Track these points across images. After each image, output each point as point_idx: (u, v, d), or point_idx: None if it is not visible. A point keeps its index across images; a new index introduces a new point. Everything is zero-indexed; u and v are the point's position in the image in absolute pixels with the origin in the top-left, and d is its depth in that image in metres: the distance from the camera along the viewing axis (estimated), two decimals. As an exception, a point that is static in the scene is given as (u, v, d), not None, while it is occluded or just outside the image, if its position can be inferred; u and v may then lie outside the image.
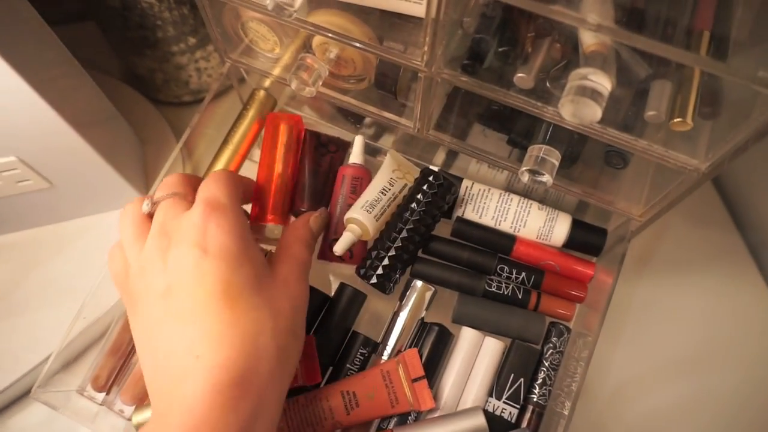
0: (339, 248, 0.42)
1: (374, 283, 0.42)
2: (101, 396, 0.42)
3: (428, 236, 0.44)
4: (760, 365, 0.50)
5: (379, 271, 0.41)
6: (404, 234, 0.42)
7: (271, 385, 0.30)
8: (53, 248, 0.51)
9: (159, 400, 0.30)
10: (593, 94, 0.28)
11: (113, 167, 0.47)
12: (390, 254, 0.41)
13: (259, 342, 0.30)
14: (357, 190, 0.44)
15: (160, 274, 0.31)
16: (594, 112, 0.28)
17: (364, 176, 0.45)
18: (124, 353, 0.43)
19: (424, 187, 0.42)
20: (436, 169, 0.45)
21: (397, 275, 0.42)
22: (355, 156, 0.46)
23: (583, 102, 0.28)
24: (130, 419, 0.40)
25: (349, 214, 0.43)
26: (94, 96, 0.48)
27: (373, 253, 0.42)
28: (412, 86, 0.38)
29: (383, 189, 0.44)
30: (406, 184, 0.45)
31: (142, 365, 0.32)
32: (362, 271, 0.42)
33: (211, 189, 0.34)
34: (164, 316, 0.30)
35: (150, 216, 0.35)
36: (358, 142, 0.46)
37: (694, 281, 0.54)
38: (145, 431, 0.28)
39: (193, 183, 0.36)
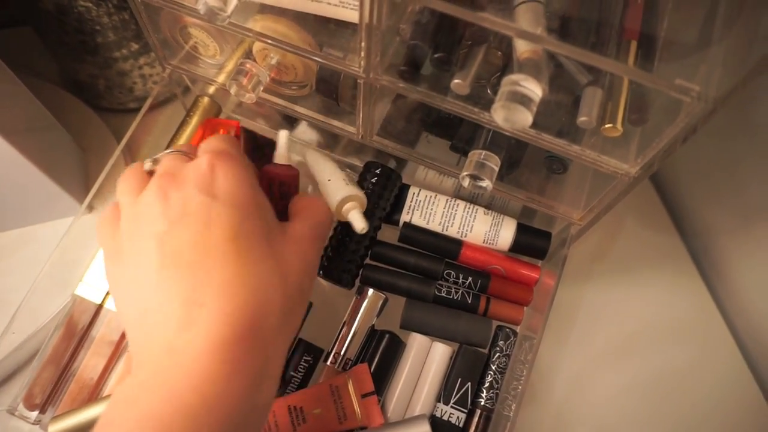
0: (364, 224, 0.41)
1: (340, 280, 0.43)
2: (34, 415, 0.40)
3: (380, 226, 0.45)
4: (698, 361, 0.52)
5: (347, 269, 0.43)
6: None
7: (278, 342, 0.28)
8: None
9: (147, 358, 0.26)
10: (524, 99, 0.29)
11: (49, 177, 0.46)
12: (350, 250, 0.43)
13: (268, 295, 0.27)
14: (287, 196, 0.37)
15: (160, 217, 0.28)
16: (525, 117, 0.29)
17: (291, 181, 0.37)
18: (60, 368, 0.41)
19: (372, 180, 0.44)
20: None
21: (358, 269, 0.44)
22: (281, 157, 0.38)
23: (513, 107, 0.29)
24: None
25: (342, 195, 0.41)
26: (28, 103, 0.46)
27: (333, 254, 0.43)
28: (354, 93, 0.38)
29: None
30: None
31: (125, 321, 0.28)
32: (321, 272, 0.43)
33: (215, 142, 0.32)
34: (161, 261, 0.27)
35: (151, 174, 0.32)
36: (282, 139, 0.38)
37: (638, 284, 0.55)
38: (127, 392, 0.25)
39: (196, 150, 0.34)
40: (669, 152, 0.32)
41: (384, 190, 0.44)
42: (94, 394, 0.40)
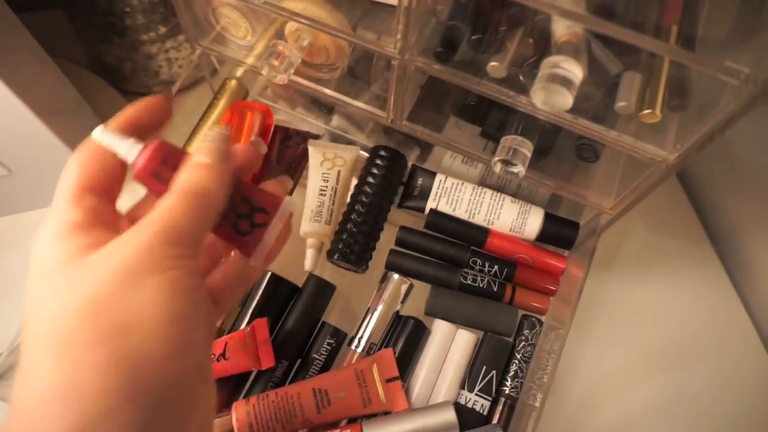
0: (310, 265, 0.43)
1: (351, 260, 0.42)
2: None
3: (389, 208, 0.45)
4: (723, 361, 0.51)
5: (352, 250, 0.42)
6: (366, 209, 0.43)
7: None
8: (11, 239, 0.49)
9: None
10: (564, 81, 0.28)
11: (78, 156, 0.46)
12: (357, 232, 0.42)
13: None
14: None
15: None
16: (565, 99, 0.29)
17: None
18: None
19: (377, 162, 0.44)
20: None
21: (371, 251, 0.44)
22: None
23: (554, 89, 0.28)
24: None
25: (302, 230, 0.44)
26: (58, 84, 0.47)
27: (343, 236, 0.43)
28: (385, 75, 0.38)
29: (321, 190, 0.44)
30: (339, 171, 0.45)
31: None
32: (332, 254, 0.43)
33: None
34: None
35: None
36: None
37: (662, 279, 0.55)
38: None
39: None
40: (708, 140, 0.31)
41: (392, 174, 0.45)
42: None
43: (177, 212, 0.21)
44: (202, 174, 0.22)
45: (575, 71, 0.29)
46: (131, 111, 0.25)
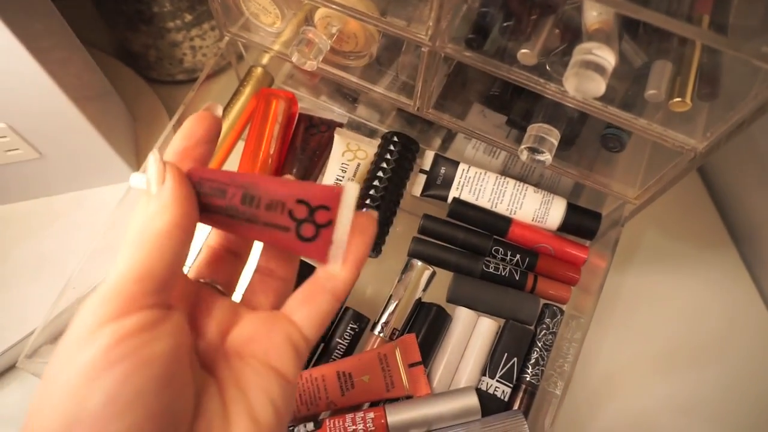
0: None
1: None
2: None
3: (402, 193, 0.46)
4: (742, 358, 0.51)
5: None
6: (380, 194, 0.44)
7: None
8: (42, 222, 0.50)
9: None
10: (597, 68, 0.28)
11: (107, 141, 0.47)
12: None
13: None
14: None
15: None
16: (598, 85, 0.29)
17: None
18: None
19: (390, 147, 0.45)
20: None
21: (385, 235, 0.45)
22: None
23: (587, 75, 0.28)
24: None
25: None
26: (89, 69, 0.47)
27: None
28: (415, 63, 0.38)
29: (336, 180, 0.45)
30: (359, 164, 0.45)
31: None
32: None
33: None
34: None
35: None
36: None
37: (681, 273, 0.55)
38: None
39: None
40: (738, 129, 0.32)
41: (404, 159, 0.45)
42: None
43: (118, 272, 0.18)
44: (140, 219, 0.19)
45: (608, 57, 0.29)
46: (180, 141, 0.21)
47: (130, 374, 0.16)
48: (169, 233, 0.18)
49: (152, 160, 0.20)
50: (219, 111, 0.23)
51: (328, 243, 0.20)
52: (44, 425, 0.16)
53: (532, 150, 0.36)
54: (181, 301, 0.20)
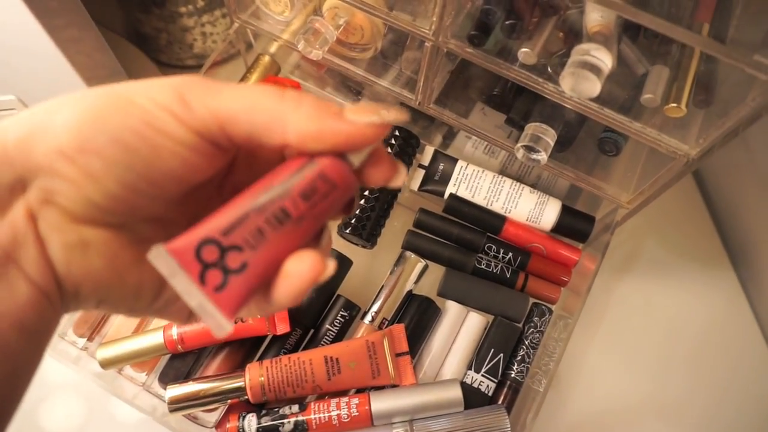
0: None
1: (363, 235, 0.44)
2: (83, 341, 0.42)
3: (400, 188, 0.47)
4: (728, 371, 0.51)
5: (364, 225, 0.44)
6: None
7: None
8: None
9: None
10: (593, 68, 0.29)
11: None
12: (370, 209, 0.45)
13: None
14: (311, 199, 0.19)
15: None
16: (593, 86, 0.29)
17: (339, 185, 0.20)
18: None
19: (391, 141, 0.46)
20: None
21: (381, 227, 0.46)
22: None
23: (583, 75, 0.29)
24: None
25: None
26: (100, 49, 0.48)
27: (355, 211, 0.44)
28: (418, 57, 0.39)
29: None
30: None
31: None
32: (344, 227, 0.45)
33: None
34: None
35: None
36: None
37: (671, 281, 0.55)
38: None
39: None
40: (730, 137, 0.32)
41: (404, 153, 0.46)
42: (141, 325, 0.42)
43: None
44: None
45: (605, 59, 0.29)
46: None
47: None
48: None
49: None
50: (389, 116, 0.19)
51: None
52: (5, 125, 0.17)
53: (528, 148, 0.37)
54: None
